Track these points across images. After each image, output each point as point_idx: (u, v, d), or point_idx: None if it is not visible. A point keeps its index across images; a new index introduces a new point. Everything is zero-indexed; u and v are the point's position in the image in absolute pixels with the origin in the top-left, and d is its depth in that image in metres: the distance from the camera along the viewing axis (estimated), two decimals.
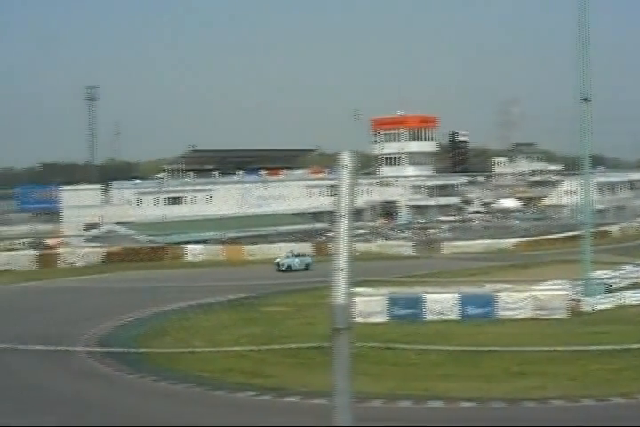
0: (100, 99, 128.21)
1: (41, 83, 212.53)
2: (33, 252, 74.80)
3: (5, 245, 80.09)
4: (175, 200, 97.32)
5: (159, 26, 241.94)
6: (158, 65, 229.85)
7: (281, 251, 77.77)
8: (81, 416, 25.84)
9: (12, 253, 75.45)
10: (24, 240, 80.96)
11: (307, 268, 68.70)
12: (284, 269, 68.62)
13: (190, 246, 79.42)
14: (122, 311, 45.79)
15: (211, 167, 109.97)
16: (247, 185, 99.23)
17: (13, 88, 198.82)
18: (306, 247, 79.24)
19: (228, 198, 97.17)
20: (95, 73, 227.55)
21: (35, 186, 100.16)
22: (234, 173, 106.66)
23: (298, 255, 71.59)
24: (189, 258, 77.77)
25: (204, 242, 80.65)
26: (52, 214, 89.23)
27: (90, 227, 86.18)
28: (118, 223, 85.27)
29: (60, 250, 76.66)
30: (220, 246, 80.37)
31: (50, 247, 78.00)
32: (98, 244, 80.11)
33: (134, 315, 46.04)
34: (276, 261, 70.15)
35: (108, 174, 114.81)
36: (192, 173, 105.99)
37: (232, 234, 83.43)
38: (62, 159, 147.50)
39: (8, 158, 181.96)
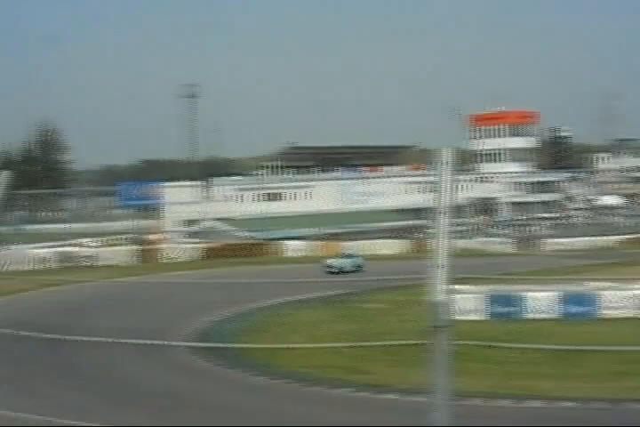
0: (201, 96, 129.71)
1: (145, 81, 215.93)
2: (135, 247, 75.98)
3: (108, 241, 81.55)
4: (274, 196, 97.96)
5: (256, 24, 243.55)
6: (258, 63, 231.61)
7: (377, 247, 77.82)
8: (178, 410, 26.17)
9: (115, 248, 76.81)
10: (126, 236, 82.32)
11: (358, 269, 65.33)
12: (335, 271, 64.51)
13: (289, 243, 79.80)
14: (222, 306, 46.24)
15: (310, 164, 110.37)
16: (346, 181, 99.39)
17: (118, 87, 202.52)
18: (402, 244, 79.18)
19: (327, 195, 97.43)
20: (196, 71, 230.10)
21: (136, 182, 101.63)
22: (333, 170, 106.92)
23: (349, 256, 68.11)
24: (289, 254, 78.14)
25: (304, 238, 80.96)
26: (154, 211, 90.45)
27: (190, 223, 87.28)
28: (218, 219, 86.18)
29: (162, 246, 77.74)
30: (319, 243, 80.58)
31: (151, 243, 79.13)
32: (198, 239, 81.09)
33: (234, 310, 46.47)
34: (326, 262, 65.98)
35: (208, 171, 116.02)
36: (291, 169, 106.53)
37: (331, 230, 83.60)
38: (164, 156, 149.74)
39: (112, 156, 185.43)
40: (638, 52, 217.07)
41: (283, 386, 31.55)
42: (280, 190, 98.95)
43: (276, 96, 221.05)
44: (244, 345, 38.07)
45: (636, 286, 47.43)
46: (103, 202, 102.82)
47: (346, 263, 65.54)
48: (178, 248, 76.92)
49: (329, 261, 65.76)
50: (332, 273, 63.83)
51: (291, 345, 35.38)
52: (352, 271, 64.34)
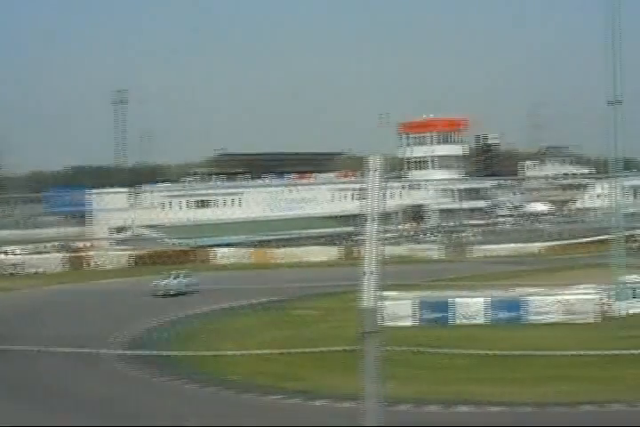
0: (130, 102, 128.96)
1: (73, 87, 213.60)
2: (63, 255, 75.18)
3: (35, 248, 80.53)
4: (204, 203, 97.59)
5: (189, 30, 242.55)
6: (188, 68, 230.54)
7: (307, 255, 77.92)
8: (105, 418, 25.94)
9: (42, 255, 75.88)
10: (54, 243, 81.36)
11: (190, 291, 55.92)
12: (165, 293, 56.55)
13: (220, 250, 79.62)
14: (153, 314, 45.96)
15: (239, 171, 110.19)
16: (276, 188, 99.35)
17: (45, 93, 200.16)
18: (332, 250, 79.48)
19: (256, 202, 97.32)
20: (125, 77, 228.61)
21: (64, 189, 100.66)
22: (261, 177, 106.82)
23: (178, 276, 59.18)
24: (218, 261, 77.95)
25: (233, 245, 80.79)
26: (82, 217, 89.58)
27: (119, 230, 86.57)
28: (147, 226, 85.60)
29: (90, 253, 77.03)
30: (249, 250, 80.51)
31: (79, 250, 78.37)
32: (127, 247, 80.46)
33: (164, 318, 46.21)
34: (155, 283, 57.93)
35: (137, 178, 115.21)
36: (221, 176, 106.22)
37: (261, 237, 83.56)
38: (92, 163, 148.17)
39: (38, 161, 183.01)
40: (566, 60, 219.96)
41: (213, 394, 31.42)
42: (209, 197, 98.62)
43: (207, 102, 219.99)
44: (175, 353, 37.80)
45: (562, 292, 48.11)
46: (30, 209, 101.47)
47: (177, 284, 58.08)
48: (107, 255, 76.26)
49: (156, 282, 58.08)
50: (162, 296, 56.15)
51: (222, 352, 35.25)
52: (184, 293, 55.90)
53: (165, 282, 57.96)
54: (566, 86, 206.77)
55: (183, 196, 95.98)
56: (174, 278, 58.62)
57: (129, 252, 77.51)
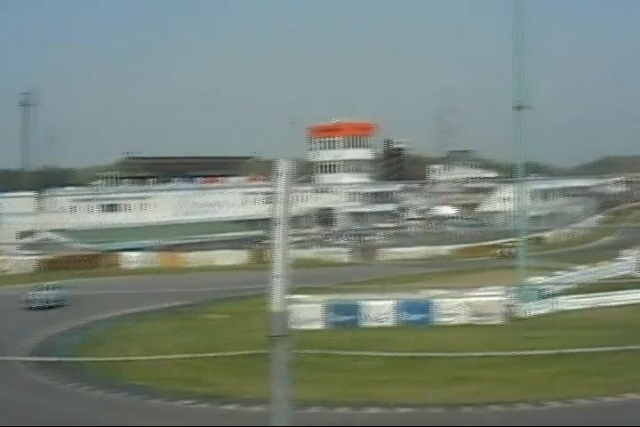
0: (36, 105, 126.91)
1: None
2: None
3: None
4: (111, 207, 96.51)
5: (92, 32, 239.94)
6: (94, 71, 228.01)
7: (216, 259, 77.62)
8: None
9: None
10: None
11: (60, 304, 52.97)
12: (37, 306, 52.34)
13: (126, 254, 78.92)
14: (58, 320, 45.34)
15: (146, 174, 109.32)
16: (184, 192, 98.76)
17: None
18: (242, 254, 79.39)
19: (164, 206, 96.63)
20: (31, 80, 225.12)
21: None
22: (170, 181, 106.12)
23: (49, 288, 54.75)
24: (125, 266, 77.24)
25: (140, 249, 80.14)
26: None
27: (24, 234, 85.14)
28: (53, 231, 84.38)
29: None
30: (156, 254, 79.95)
31: None
32: (32, 251, 79.20)
33: (70, 324, 45.61)
34: (26, 296, 53.13)
35: (42, 181, 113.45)
36: (127, 180, 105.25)
37: (168, 242, 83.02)
38: None
39: None
40: (477, 66, 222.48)
41: (122, 399, 31.11)
42: (116, 201, 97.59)
43: (115, 105, 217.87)
44: (84, 359, 37.37)
45: (469, 294, 48.68)
46: None
47: (47, 296, 53.92)
48: (11, 260, 74.97)
49: (30, 294, 53.38)
50: (33, 309, 52.03)
51: (129, 358, 34.90)
52: (54, 306, 52.65)
53: (36, 294, 53.48)
54: (475, 91, 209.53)
55: (89, 200, 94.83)
56: (47, 290, 54.36)
57: (36, 257, 76.34)
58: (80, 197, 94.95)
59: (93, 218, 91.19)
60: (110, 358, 36.10)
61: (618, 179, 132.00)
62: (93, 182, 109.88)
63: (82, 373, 34.17)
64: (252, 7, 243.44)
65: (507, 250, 72.30)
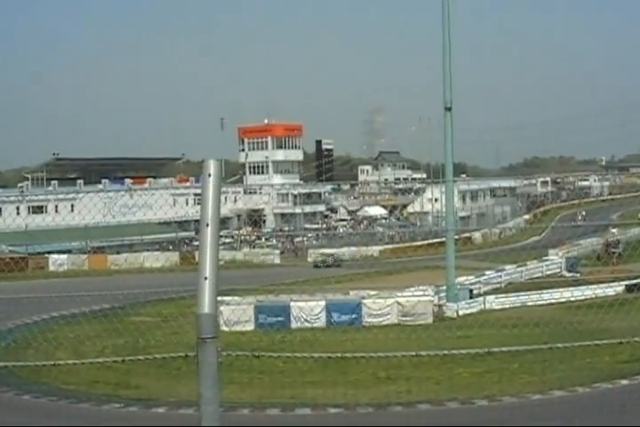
0: None
1: None
2: None
3: None
4: (38, 209, 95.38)
5: (20, 30, 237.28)
6: (22, 71, 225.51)
7: (146, 260, 77.16)
8: None
9: None
10: None
11: None
12: None
13: (53, 256, 78.15)
14: None
15: (74, 176, 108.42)
16: (111, 194, 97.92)
17: None
18: (172, 256, 79.01)
19: (91, 207, 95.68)
20: None
21: None
22: (98, 182, 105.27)
23: None
24: (52, 268, 76.44)
25: (68, 252, 79.44)
26: None
27: None
28: None
29: None
30: (84, 256, 79.29)
31: None
32: None
33: None
34: None
35: None
36: (55, 181, 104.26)
37: (96, 243, 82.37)
38: None
39: None
40: (406, 67, 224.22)
41: (49, 404, 30.76)
42: (43, 203, 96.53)
43: (41, 106, 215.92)
44: (7, 363, 36.83)
45: (398, 294, 49.01)
46: None
47: None
48: None
49: None
50: None
51: (56, 362, 34.51)
52: None
53: None
54: (402, 93, 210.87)
55: (15, 201, 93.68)
56: None
57: None
58: (6, 199, 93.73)
59: (20, 220, 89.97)
60: (38, 363, 35.63)
61: (544, 179, 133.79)
62: (20, 184, 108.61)
63: (8, 377, 33.72)
64: (176, 6, 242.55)
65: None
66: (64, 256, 78.70)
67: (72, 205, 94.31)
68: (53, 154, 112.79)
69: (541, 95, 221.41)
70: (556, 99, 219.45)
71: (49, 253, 78.40)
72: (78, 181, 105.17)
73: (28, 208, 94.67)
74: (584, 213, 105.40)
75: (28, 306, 46.55)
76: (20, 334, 43.93)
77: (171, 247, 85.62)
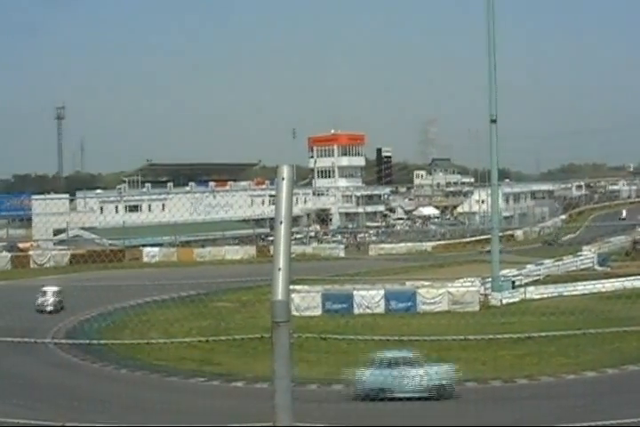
0: (67, 117, 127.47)
1: (16, 102, 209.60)
2: (7, 254, 73.84)
3: None
4: (134, 208, 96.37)
5: (115, 49, 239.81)
6: (120, 85, 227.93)
7: (227, 253, 77.63)
8: (52, 401, 25.44)
9: None
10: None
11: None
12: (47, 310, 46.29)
13: (147, 249, 78.94)
14: (86, 307, 45.23)
15: (165, 179, 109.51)
16: (197, 195, 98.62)
17: None
18: (250, 250, 79.38)
19: (180, 207, 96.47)
20: (63, 92, 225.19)
21: (8, 195, 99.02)
22: (186, 184, 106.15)
23: (54, 294, 47.74)
24: (145, 259, 77.21)
25: (159, 245, 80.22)
26: (24, 221, 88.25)
27: (58, 232, 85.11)
28: (83, 229, 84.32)
29: (31, 252, 75.65)
30: (173, 249, 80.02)
31: (22, 250, 76.96)
32: (65, 247, 79.18)
33: (98, 310, 45.52)
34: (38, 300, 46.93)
35: (74, 185, 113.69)
36: (148, 183, 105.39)
37: (184, 238, 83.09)
38: (33, 171, 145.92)
39: None
40: (453, 80, 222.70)
41: (143, 377, 31.12)
42: (138, 203, 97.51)
43: (136, 116, 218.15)
44: (108, 341, 37.31)
45: (447, 285, 48.71)
46: None
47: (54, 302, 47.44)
48: (46, 255, 74.95)
49: (41, 300, 47.22)
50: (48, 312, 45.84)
51: (149, 341, 34.87)
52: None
53: (45, 299, 47.17)
54: (452, 105, 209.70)
55: (114, 201, 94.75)
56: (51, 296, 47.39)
57: (69, 251, 76.30)
58: (107, 199, 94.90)
59: (119, 217, 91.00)
60: (133, 341, 36.03)
61: (579, 184, 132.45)
62: (119, 186, 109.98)
63: (108, 354, 34.18)
64: (260, 22, 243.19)
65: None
66: (156, 249, 79.43)
67: (163, 205, 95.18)
68: (147, 160, 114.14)
69: (577, 107, 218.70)
70: (591, 110, 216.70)
71: (143, 246, 79.19)
72: (168, 184, 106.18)
73: (125, 207, 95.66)
74: (624, 211, 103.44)
75: (125, 292, 47.13)
76: (118, 316, 44.47)
77: (248, 242, 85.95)
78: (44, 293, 47.45)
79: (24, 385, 27.69)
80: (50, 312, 46.01)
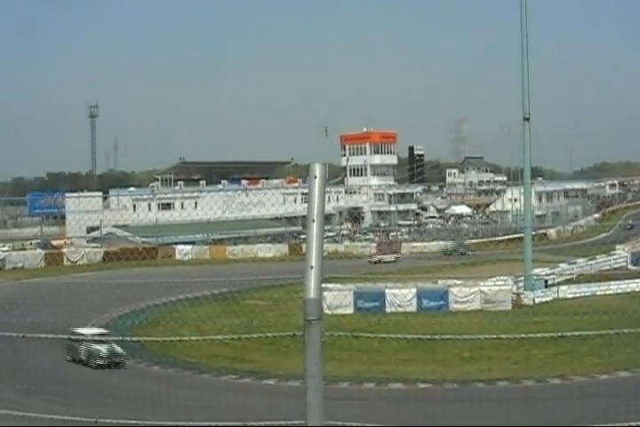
0: (101, 116, 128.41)
1: (50, 101, 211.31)
2: (41, 251, 74.39)
3: (17, 246, 79.52)
4: (166, 206, 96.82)
5: (149, 50, 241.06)
6: (154, 84, 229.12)
7: (259, 251, 77.74)
8: (84, 397, 25.60)
9: (23, 252, 74.94)
10: (33, 241, 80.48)
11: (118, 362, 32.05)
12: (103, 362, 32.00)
13: (179, 247, 79.26)
14: (120, 304, 45.52)
15: (197, 177, 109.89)
16: (230, 193, 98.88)
17: (26, 107, 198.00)
18: (282, 248, 79.42)
19: (212, 205, 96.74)
20: (95, 91, 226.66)
21: (43, 193, 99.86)
22: (218, 183, 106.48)
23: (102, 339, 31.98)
24: (178, 257, 77.52)
25: (192, 243, 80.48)
26: (58, 218, 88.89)
27: (91, 229, 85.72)
28: (116, 226, 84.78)
29: (65, 250, 76.22)
30: (206, 247, 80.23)
31: (56, 247, 77.54)
32: (98, 244, 79.70)
33: (131, 307, 45.77)
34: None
35: (107, 183, 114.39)
36: (181, 182, 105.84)
37: (216, 236, 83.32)
38: (67, 170, 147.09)
39: (20, 169, 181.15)
40: (486, 78, 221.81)
41: (175, 374, 31.24)
42: (171, 201, 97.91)
43: (169, 115, 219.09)
44: (140, 338, 37.51)
45: (481, 283, 48.50)
46: (13, 211, 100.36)
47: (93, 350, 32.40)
48: (80, 252, 75.48)
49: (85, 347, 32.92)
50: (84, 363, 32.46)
51: (181, 338, 35.02)
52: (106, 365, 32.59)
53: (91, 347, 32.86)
54: (484, 104, 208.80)
55: (147, 199, 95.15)
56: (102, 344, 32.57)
57: (102, 249, 76.81)
58: (140, 197, 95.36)
59: (152, 215, 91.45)
60: (166, 338, 36.22)
61: (612, 182, 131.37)
62: (152, 184, 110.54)
63: (140, 350, 34.33)
64: (295, 22, 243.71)
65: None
66: (188, 247, 79.71)
67: (196, 203, 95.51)
68: (180, 158, 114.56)
69: (609, 105, 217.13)
70: (623, 108, 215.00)
71: (176, 243, 79.52)
72: (201, 182, 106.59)
73: (158, 205, 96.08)
74: None
75: (157, 289, 47.37)
76: (150, 313, 44.70)
77: (281, 240, 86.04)
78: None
79: (58, 382, 27.94)
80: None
